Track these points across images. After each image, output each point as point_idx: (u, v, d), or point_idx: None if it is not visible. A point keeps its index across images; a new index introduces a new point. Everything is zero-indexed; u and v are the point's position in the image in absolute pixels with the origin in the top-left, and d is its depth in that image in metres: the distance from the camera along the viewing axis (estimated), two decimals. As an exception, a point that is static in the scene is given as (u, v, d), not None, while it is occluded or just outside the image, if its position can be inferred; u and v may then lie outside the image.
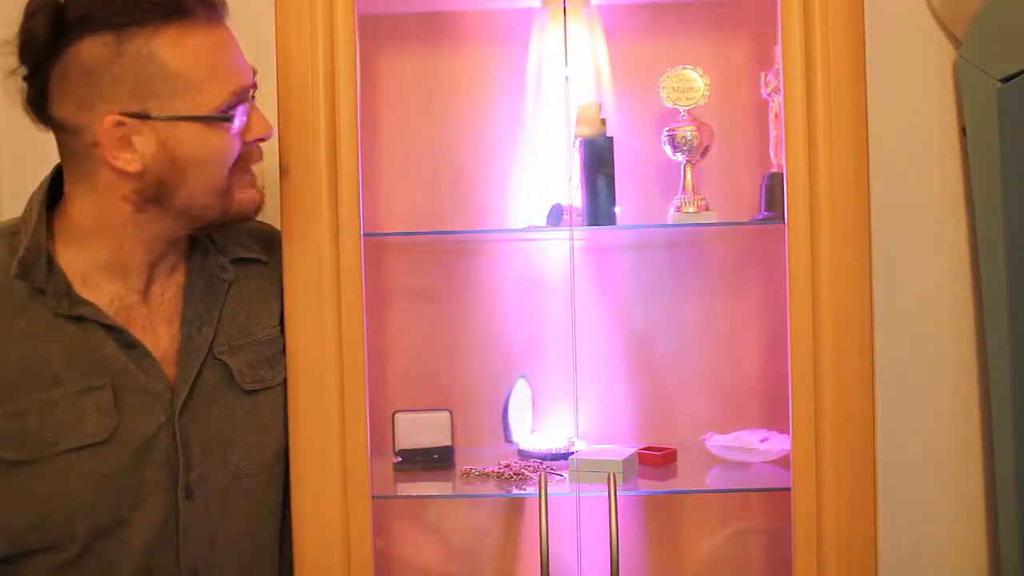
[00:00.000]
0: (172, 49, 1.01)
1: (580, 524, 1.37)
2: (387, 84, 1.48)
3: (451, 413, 1.37)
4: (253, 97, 1.10)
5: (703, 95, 1.35)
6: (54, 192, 1.10)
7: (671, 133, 1.36)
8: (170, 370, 1.10)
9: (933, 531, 1.52)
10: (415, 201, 1.49)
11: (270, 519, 1.19)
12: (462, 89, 1.48)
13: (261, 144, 1.13)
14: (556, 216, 1.35)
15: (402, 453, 1.36)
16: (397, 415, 1.37)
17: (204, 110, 1.03)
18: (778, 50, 1.21)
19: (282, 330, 1.21)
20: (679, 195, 1.36)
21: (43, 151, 1.11)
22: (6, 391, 1.03)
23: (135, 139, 1.02)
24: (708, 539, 1.49)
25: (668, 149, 1.37)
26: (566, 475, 1.31)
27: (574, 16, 1.39)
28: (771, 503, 1.46)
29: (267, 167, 1.54)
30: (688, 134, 1.35)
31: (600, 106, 1.37)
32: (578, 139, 1.34)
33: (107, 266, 1.09)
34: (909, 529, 1.51)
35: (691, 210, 1.35)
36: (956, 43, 1.50)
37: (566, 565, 1.42)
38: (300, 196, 1.19)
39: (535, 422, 1.47)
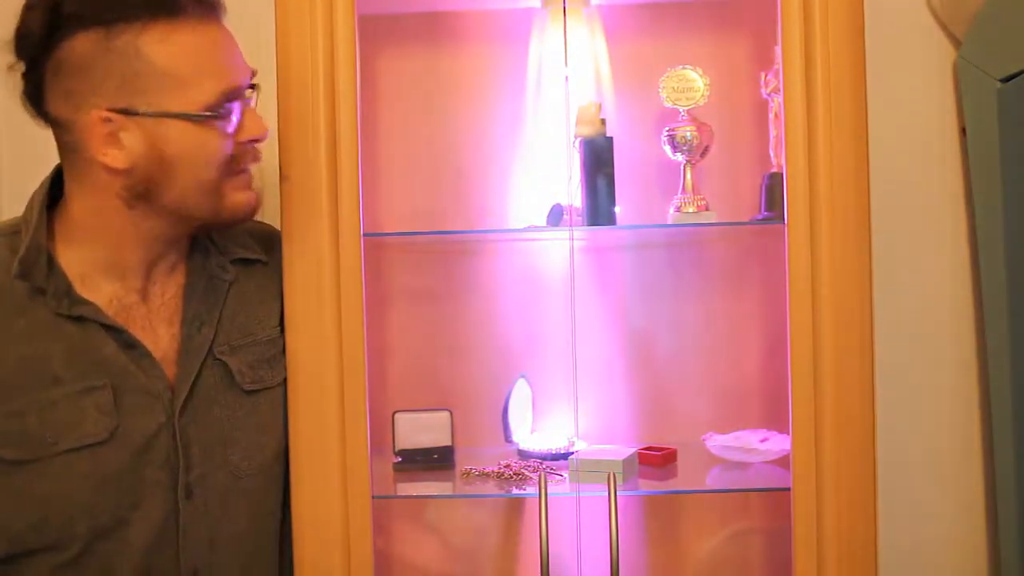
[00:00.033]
0: (160, 45, 1.00)
1: (580, 524, 1.37)
2: (387, 84, 1.48)
3: (451, 413, 1.37)
4: (250, 98, 1.10)
5: (703, 95, 1.35)
6: (55, 192, 1.10)
7: (671, 133, 1.36)
8: (170, 370, 1.11)
9: (933, 531, 1.52)
10: (415, 201, 1.49)
11: (270, 519, 1.19)
12: (462, 89, 1.48)
13: (257, 144, 1.12)
14: (556, 216, 1.35)
15: (402, 453, 1.36)
16: (397, 415, 1.37)
17: (192, 108, 1.02)
18: (778, 50, 1.21)
19: (282, 330, 1.21)
20: (679, 195, 1.36)
21: (43, 151, 1.11)
22: (6, 391, 1.03)
23: (123, 136, 1.02)
24: (708, 539, 1.49)
25: (668, 149, 1.37)
26: (566, 475, 1.31)
27: (574, 16, 1.39)
28: (771, 503, 1.46)
29: (267, 167, 1.54)
30: (688, 134, 1.35)
31: (600, 106, 1.37)
32: (578, 139, 1.33)
33: (105, 266, 1.09)
34: (909, 529, 1.51)
35: (691, 210, 1.35)
36: (956, 43, 1.50)
37: (566, 565, 1.42)
38: (300, 196, 1.19)
39: (535, 422, 1.47)
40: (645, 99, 1.42)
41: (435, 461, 1.36)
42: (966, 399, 1.52)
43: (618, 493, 1.21)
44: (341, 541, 1.19)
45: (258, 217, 1.48)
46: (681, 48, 1.45)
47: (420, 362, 1.50)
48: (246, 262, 1.22)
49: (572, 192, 1.34)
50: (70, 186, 1.09)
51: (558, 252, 1.47)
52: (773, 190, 1.31)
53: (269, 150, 1.49)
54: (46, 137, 1.08)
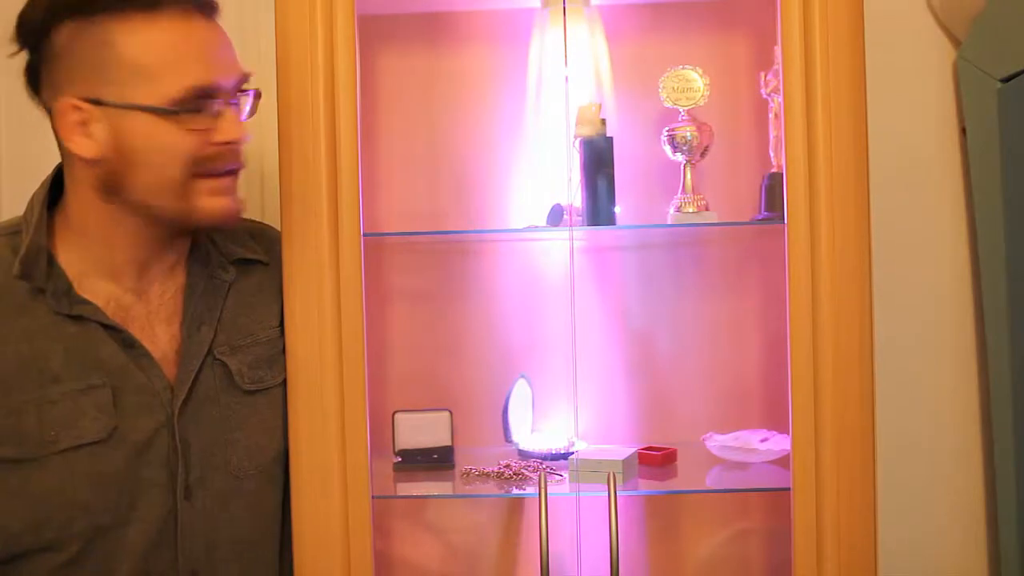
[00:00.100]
0: (130, 37, 1.00)
1: (580, 524, 1.37)
2: (387, 84, 1.48)
3: (451, 413, 1.37)
4: (236, 100, 1.08)
5: (703, 95, 1.35)
6: (56, 192, 1.11)
7: (671, 133, 1.36)
8: (170, 370, 1.11)
9: (933, 531, 1.52)
10: (415, 201, 1.50)
11: (270, 520, 1.19)
12: (462, 89, 1.48)
13: (235, 148, 1.07)
14: (556, 216, 1.35)
15: (402, 453, 1.36)
16: (397, 415, 1.37)
17: (157, 101, 1.01)
18: (778, 50, 1.21)
19: (282, 331, 1.21)
20: (679, 195, 1.36)
21: (43, 151, 1.11)
22: (5, 389, 1.03)
23: (93, 126, 1.02)
24: (708, 539, 1.49)
25: (668, 149, 1.37)
26: (566, 475, 1.31)
27: (574, 16, 1.39)
28: (771, 503, 1.46)
29: (267, 167, 1.55)
30: (688, 134, 1.35)
31: (600, 106, 1.37)
32: (578, 139, 1.33)
33: (100, 266, 1.09)
34: (909, 529, 1.51)
35: (691, 210, 1.35)
36: (956, 43, 1.50)
37: (566, 565, 1.42)
38: (300, 196, 1.19)
39: (535, 422, 1.47)
40: (645, 99, 1.42)
41: (435, 461, 1.36)
42: (966, 399, 1.52)
43: (618, 493, 1.21)
44: (341, 541, 1.19)
45: (258, 217, 1.49)
46: (681, 48, 1.45)
47: (420, 362, 1.50)
48: (246, 262, 1.22)
49: (572, 192, 1.34)
50: (66, 183, 1.10)
51: (558, 252, 1.47)
52: (773, 190, 1.31)
53: (269, 149, 1.49)
54: (46, 137, 1.08)
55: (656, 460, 1.36)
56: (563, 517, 1.39)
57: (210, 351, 1.14)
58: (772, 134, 1.36)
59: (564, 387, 1.44)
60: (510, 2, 1.45)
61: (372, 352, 1.24)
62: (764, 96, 1.37)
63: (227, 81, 1.05)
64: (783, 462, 1.30)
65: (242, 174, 1.49)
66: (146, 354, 1.09)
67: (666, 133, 1.36)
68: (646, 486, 1.32)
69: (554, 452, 1.38)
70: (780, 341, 1.23)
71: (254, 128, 1.51)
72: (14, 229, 1.09)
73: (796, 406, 1.19)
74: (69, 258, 1.08)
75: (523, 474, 1.32)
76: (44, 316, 1.06)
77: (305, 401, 1.19)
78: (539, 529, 1.19)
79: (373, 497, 1.20)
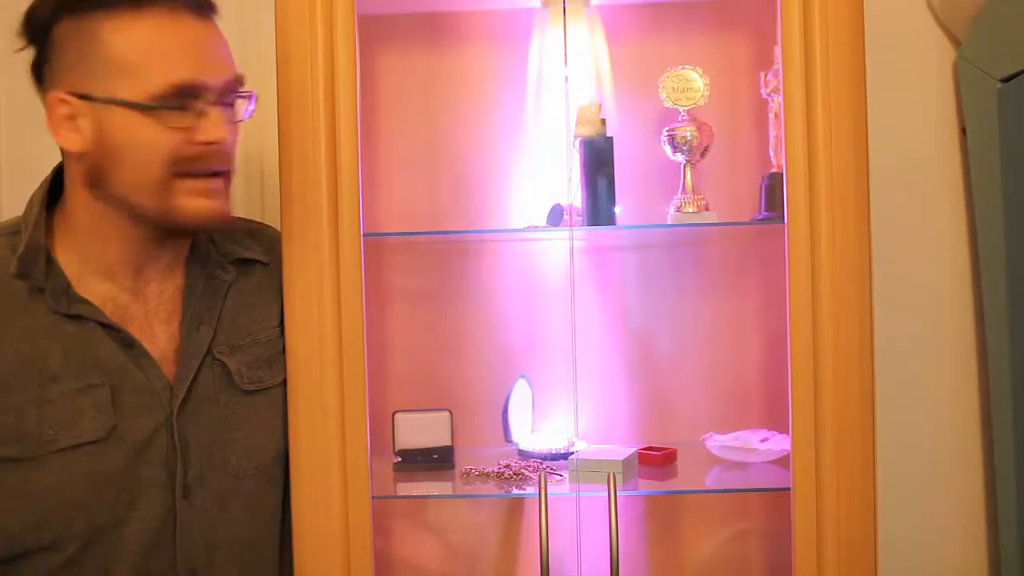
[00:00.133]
0: (118, 33, 1.01)
1: (580, 524, 1.37)
2: (387, 84, 1.48)
3: (451, 413, 1.37)
4: (228, 101, 1.07)
5: (703, 95, 1.35)
6: (56, 192, 1.11)
7: (671, 133, 1.36)
8: (169, 370, 1.11)
9: (933, 531, 1.52)
10: (415, 201, 1.50)
11: (269, 520, 1.19)
12: (462, 89, 1.48)
13: (216, 149, 1.05)
14: (556, 216, 1.35)
15: (402, 453, 1.36)
16: (397, 415, 1.37)
17: (137, 97, 1.01)
18: (778, 50, 1.21)
19: (282, 331, 1.21)
20: (679, 195, 1.36)
21: (43, 151, 1.11)
22: (5, 389, 1.03)
23: (79, 120, 1.03)
24: (708, 539, 1.49)
25: (668, 149, 1.37)
26: (566, 475, 1.31)
27: (574, 16, 1.39)
28: (771, 503, 1.46)
29: (267, 167, 1.55)
30: (688, 134, 1.35)
31: (600, 106, 1.37)
32: (578, 139, 1.33)
33: (95, 265, 1.09)
34: (909, 529, 1.51)
35: (691, 210, 1.35)
36: (956, 43, 1.50)
37: (566, 565, 1.42)
38: (300, 196, 1.19)
39: (535, 422, 1.47)
40: (645, 99, 1.42)
41: (435, 461, 1.36)
42: (966, 399, 1.52)
43: (618, 493, 1.21)
44: (341, 541, 1.19)
45: (258, 217, 1.49)
46: (681, 48, 1.45)
47: (420, 362, 1.50)
48: (246, 262, 1.21)
49: (572, 192, 1.34)
50: (65, 182, 1.10)
51: (558, 252, 1.47)
52: (773, 190, 1.31)
53: (269, 149, 1.49)
54: (46, 137, 1.08)
55: (656, 460, 1.36)
56: (563, 517, 1.39)
57: (209, 351, 1.14)
58: (772, 134, 1.36)
59: (564, 387, 1.44)
60: (510, 2, 1.45)
61: (372, 352, 1.24)
62: (764, 96, 1.37)
63: (214, 80, 1.04)
64: (783, 462, 1.30)
65: (242, 174, 1.50)
66: (145, 354, 1.09)
67: (666, 133, 1.36)
68: (646, 486, 1.32)
69: (554, 452, 1.38)
70: (780, 341, 1.23)
71: (254, 128, 1.51)
72: (14, 229, 1.09)
73: (796, 406, 1.19)
74: (67, 257, 1.09)
75: (523, 474, 1.32)
76: (43, 315, 1.06)
77: (305, 401, 1.19)
78: (539, 529, 1.19)
79: (373, 497, 1.20)
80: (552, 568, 1.22)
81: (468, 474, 1.33)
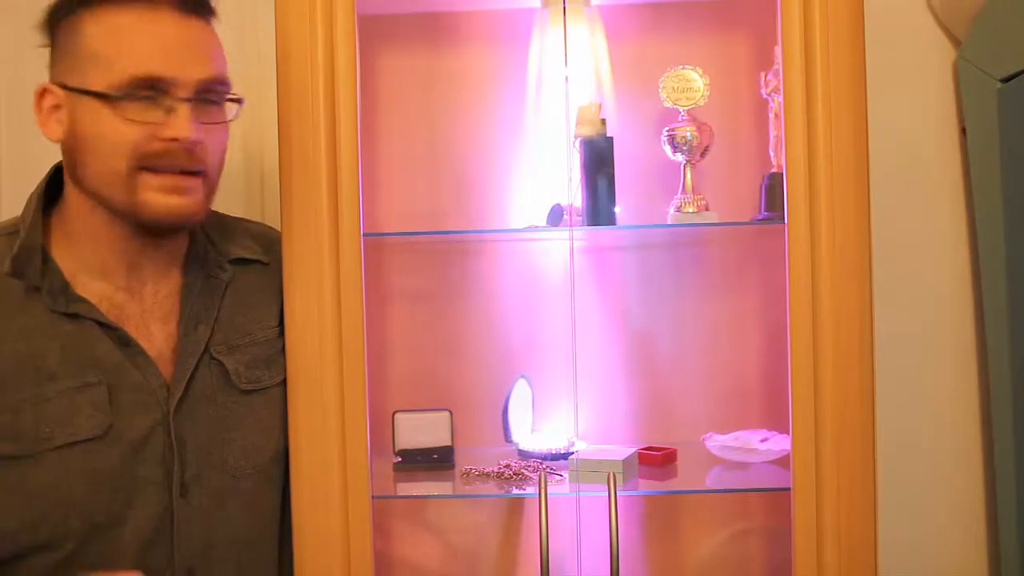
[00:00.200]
0: (94, 26, 1.02)
1: (580, 524, 1.37)
2: (387, 84, 1.48)
3: (451, 413, 1.37)
4: (212, 100, 1.06)
5: (703, 95, 1.35)
6: (56, 192, 1.11)
7: (671, 133, 1.36)
8: (166, 369, 1.11)
9: (933, 531, 1.52)
10: (415, 201, 1.49)
11: (268, 520, 1.19)
12: (462, 89, 1.48)
13: (181, 146, 1.03)
14: (556, 216, 1.35)
15: (402, 453, 1.36)
16: (397, 415, 1.37)
17: (101, 87, 1.01)
18: (778, 50, 1.21)
19: (282, 331, 1.21)
20: (679, 195, 1.36)
21: (43, 151, 1.11)
22: (2, 387, 1.03)
23: (62, 111, 1.04)
24: (708, 539, 1.49)
25: (668, 149, 1.37)
26: (566, 475, 1.31)
27: (574, 16, 1.39)
28: (771, 503, 1.46)
29: (267, 167, 1.55)
30: (688, 134, 1.35)
31: (600, 106, 1.37)
32: (578, 139, 1.33)
33: (89, 264, 1.10)
34: (909, 529, 1.51)
35: (691, 210, 1.35)
36: (956, 43, 1.50)
37: (566, 565, 1.42)
38: (300, 196, 1.19)
39: (535, 422, 1.47)
40: (645, 99, 1.42)
41: (435, 461, 1.36)
42: (966, 399, 1.52)
43: (618, 493, 1.21)
44: (341, 541, 1.19)
45: (258, 217, 1.49)
46: (681, 48, 1.45)
47: (420, 362, 1.50)
48: (245, 262, 1.22)
49: (572, 192, 1.34)
50: (64, 181, 1.10)
51: (558, 252, 1.47)
52: (773, 190, 1.31)
53: (269, 148, 1.49)
54: (44, 137, 1.08)
55: (656, 460, 1.36)
56: (563, 517, 1.39)
57: (207, 350, 1.14)
58: (772, 134, 1.36)
59: (564, 387, 1.44)
60: (510, 2, 1.45)
61: (372, 352, 1.24)
62: (764, 96, 1.37)
63: (186, 77, 1.02)
64: (783, 462, 1.30)
65: (242, 174, 1.50)
66: (141, 352, 1.09)
67: (666, 133, 1.36)
68: (646, 486, 1.32)
69: (554, 452, 1.38)
70: (780, 341, 1.23)
71: (254, 128, 1.52)
72: (12, 229, 1.09)
73: (796, 405, 1.19)
74: (64, 256, 1.09)
75: (523, 474, 1.32)
76: (41, 314, 1.06)
77: (305, 401, 1.19)
78: (539, 529, 1.19)
79: (373, 497, 1.20)
80: (552, 568, 1.22)
81: (468, 474, 1.33)
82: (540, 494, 1.21)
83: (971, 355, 1.52)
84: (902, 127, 1.50)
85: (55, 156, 1.10)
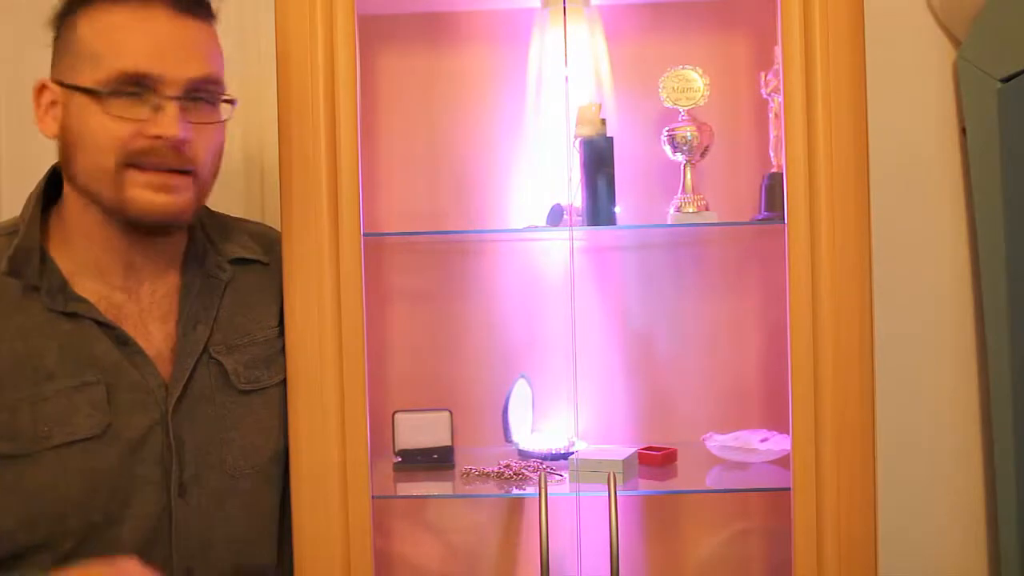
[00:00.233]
0: (89, 24, 1.03)
1: (580, 524, 1.37)
2: (387, 84, 1.48)
3: (451, 413, 1.37)
4: (204, 99, 1.06)
5: (703, 95, 1.35)
6: (55, 192, 1.12)
7: (671, 133, 1.36)
8: (164, 368, 1.11)
9: (933, 531, 1.52)
10: (415, 201, 1.49)
11: (266, 520, 1.19)
12: (462, 89, 1.48)
13: (166, 144, 1.02)
14: (556, 216, 1.35)
15: (402, 453, 1.36)
16: (397, 415, 1.37)
17: (87, 82, 1.02)
18: (778, 50, 1.21)
19: (281, 331, 1.21)
20: (679, 195, 1.36)
21: (43, 151, 1.12)
22: (0, 386, 1.03)
23: (58, 107, 1.05)
24: (708, 539, 1.49)
25: (668, 149, 1.37)
26: (566, 475, 1.31)
27: (574, 16, 1.39)
28: (771, 503, 1.46)
29: (267, 167, 1.55)
30: (688, 134, 1.35)
31: (600, 106, 1.37)
32: (578, 139, 1.33)
33: (86, 263, 1.10)
34: (909, 529, 1.51)
35: (691, 210, 1.35)
36: (956, 43, 1.50)
37: (566, 565, 1.42)
38: (300, 196, 1.19)
39: (535, 422, 1.47)
40: (645, 99, 1.42)
41: (435, 461, 1.36)
42: (966, 399, 1.52)
43: (618, 493, 1.21)
44: (341, 541, 1.19)
45: (258, 217, 1.49)
46: (681, 48, 1.45)
47: (420, 362, 1.50)
48: (244, 262, 1.21)
49: (572, 192, 1.34)
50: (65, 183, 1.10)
51: (558, 252, 1.47)
52: (773, 190, 1.31)
53: (270, 148, 1.49)
54: (45, 138, 1.08)
55: (656, 460, 1.36)
56: (563, 517, 1.39)
57: (206, 350, 1.14)
58: (772, 134, 1.36)
59: (564, 387, 1.44)
60: (510, 2, 1.45)
61: (372, 352, 1.24)
62: (764, 96, 1.37)
63: (174, 75, 1.02)
64: (783, 462, 1.30)
65: (242, 174, 1.50)
66: (140, 352, 1.09)
67: (666, 133, 1.36)
68: (646, 486, 1.32)
69: (554, 452, 1.38)
70: (780, 341, 1.23)
71: (254, 128, 1.52)
72: (12, 229, 1.10)
73: (796, 405, 1.19)
74: (61, 256, 1.09)
75: (523, 474, 1.32)
76: (39, 314, 1.06)
77: (305, 401, 1.19)
78: (539, 529, 1.19)
79: (373, 497, 1.20)
80: (552, 568, 1.22)
81: (468, 474, 1.33)
82: (540, 494, 1.21)
83: (971, 355, 1.52)
84: (902, 127, 1.50)
85: (55, 156, 1.10)
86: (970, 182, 1.48)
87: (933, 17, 1.51)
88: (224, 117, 1.09)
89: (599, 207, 1.31)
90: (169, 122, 1.02)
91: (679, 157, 1.36)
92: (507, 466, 1.34)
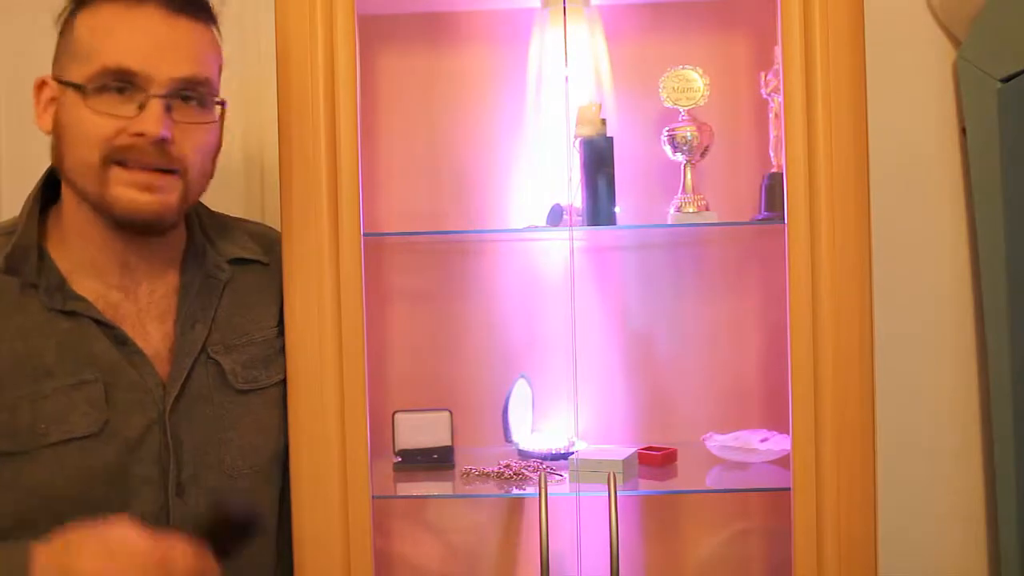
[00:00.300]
0: (84, 20, 1.04)
1: (580, 524, 1.37)
2: (387, 84, 1.48)
3: (451, 413, 1.37)
4: (193, 99, 1.05)
5: (703, 95, 1.35)
6: (54, 193, 1.12)
7: (671, 133, 1.36)
8: (162, 368, 1.11)
9: (933, 531, 1.52)
10: (415, 201, 1.49)
11: (266, 520, 1.19)
12: (462, 89, 1.48)
13: (149, 141, 1.01)
14: (556, 216, 1.35)
15: (402, 453, 1.36)
16: (397, 415, 1.37)
17: (74, 78, 1.02)
18: (778, 50, 1.21)
19: (280, 331, 1.21)
20: (679, 195, 1.36)
21: (43, 151, 1.12)
22: (0, 385, 1.03)
23: (55, 103, 1.06)
24: (708, 539, 1.49)
25: (668, 149, 1.37)
26: (566, 475, 1.31)
27: (574, 16, 1.39)
28: (771, 503, 1.46)
29: (267, 167, 1.55)
30: (688, 134, 1.35)
31: (600, 106, 1.37)
32: (578, 139, 1.33)
33: (83, 262, 1.10)
34: (909, 529, 1.51)
35: (691, 210, 1.35)
36: (956, 43, 1.50)
37: (566, 565, 1.42)
38: (300, 196, 1.19)
39: (535, 422, 1.47)
40: (645, 99, 1.42)
41: (435, 461, 1.36)
42: (966, 399, 1.52)
43: (618, 493, 1.21)
44: (341, 541, 1.19)
45: (258, 217, 1.49)
46: (681, 48, 1.45)
47: (420, 362, 1.50)
48: (244, 262, 1.21)
49: (572, 192, 1.34)
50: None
51: (558, 252, 1.47)
52: (773, 190, 1.31)
53: (269, 147, 1.49)
54: (46, 137, 1.08)
55: (656, 460, 1.36)
56: (563, 517, 1.39)
57: (204, 350, 1.14)
58: (772, 134, 1.36)
59: (564, 387, 1.44)
60: (510, 2, 1.45)
61: (372, 352, 1.24)
62: (764, 96, 1.37)
63: (161, 73, 1.02)
64: (783, 462, 1.30)
65: (242, 173, 1.50)
66: (138, 351, 1.09)
67: (666, 133, 1.36)
68: (646, 486, 1.32)
69: (554, 452, 1.38)
70: (780, 341, 1.23)
71: (254, 127, 1.52)
72: (11, 228, 1.10)
73: (796, 405, 1.19)
74: (60, 255, 1.10)
75: (523, 474, 1.32)
76: (38, 313, 1.06)
77: (305, 401, 1.19)
78: (539, 529, 1.19)
79: (373, 497, 1.20)
80: (552, 568, 1.22)
81: (468, 474, 1.33)
82: (540, 494, 1.21)
83: (971, 355, 1.52)
84: (902, 127, 1.50)
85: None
86: (970, 182, 1.48)
87: (933, 17, 1.51)
88: (215, 118, 1.09)
89: (599, 207, 1.31)
90: (152, 120, 1.01)
91: (679, 157, 1.36)
92: (507, 466, 1.34)
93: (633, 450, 1.33)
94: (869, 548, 1.19)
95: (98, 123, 1.01)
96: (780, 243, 1.20)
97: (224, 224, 1.24)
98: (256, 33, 1.49)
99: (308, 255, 1.19)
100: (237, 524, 1.00)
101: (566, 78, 1.32)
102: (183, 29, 1.05)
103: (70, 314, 1.07)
